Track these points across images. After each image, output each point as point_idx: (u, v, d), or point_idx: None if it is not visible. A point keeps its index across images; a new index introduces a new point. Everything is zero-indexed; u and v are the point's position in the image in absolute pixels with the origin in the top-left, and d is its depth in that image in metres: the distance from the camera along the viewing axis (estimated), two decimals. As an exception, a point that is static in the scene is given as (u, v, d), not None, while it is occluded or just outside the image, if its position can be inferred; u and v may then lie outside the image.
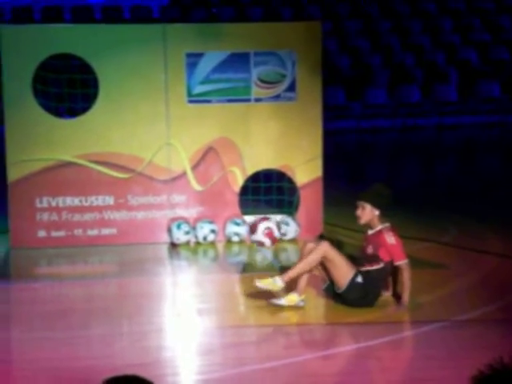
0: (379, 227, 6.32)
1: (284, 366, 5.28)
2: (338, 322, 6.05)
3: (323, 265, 6.30)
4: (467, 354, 5.06)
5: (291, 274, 6.25)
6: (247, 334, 6.02)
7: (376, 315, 6.15)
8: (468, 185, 12.33)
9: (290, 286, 6.34)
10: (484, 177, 13.10)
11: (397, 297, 6.45)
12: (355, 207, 6.41)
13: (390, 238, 6.24)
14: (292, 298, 6.30)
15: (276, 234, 8.42)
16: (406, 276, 6.24)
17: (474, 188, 11.98)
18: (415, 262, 7.54)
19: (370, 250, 6.31)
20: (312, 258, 6.19)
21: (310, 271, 6.29)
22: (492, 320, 5.97)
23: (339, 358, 5.43)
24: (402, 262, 6.25)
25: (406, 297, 6.28)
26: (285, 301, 6.29)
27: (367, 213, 6.34)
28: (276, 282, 6.23)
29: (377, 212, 6.32)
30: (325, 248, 6.20)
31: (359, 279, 6.20)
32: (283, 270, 6.85)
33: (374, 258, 6.26)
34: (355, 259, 6.45)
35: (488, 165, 14.39)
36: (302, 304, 6.33)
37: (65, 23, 8.54)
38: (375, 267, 6.26)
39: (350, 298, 6.25)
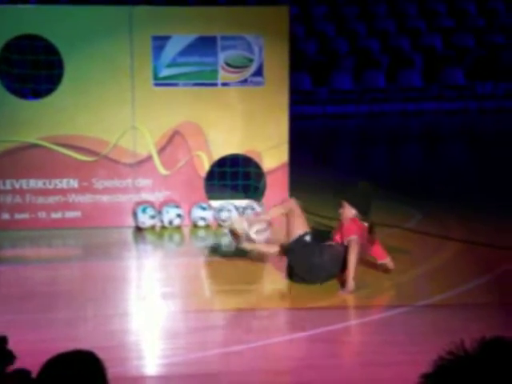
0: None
1: (248, 350, 5.31)
2: (301, 307, 6.09)
3: (287, 217, 6.58)
4: (429, 339, 5.13)
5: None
6: (211, 318, 6.04)
7: (339, 300, 6.20)
8: (432, 171, 12.44)
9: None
10: (448, 163, 13.23)
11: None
12: (338, 205, 6.58)
13: (347, 223, 6.40)
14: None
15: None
16: (351, 252, 6.22)
17: (438, 174, 12.09)
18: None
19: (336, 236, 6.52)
20: (275, 210, 6.71)
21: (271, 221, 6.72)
22: (454, 305, 6.06)
23: (302, 342, 5.47)
24: (349, 238, 6.30)
25: (349, 279, 6.22)
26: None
27: (346, 211, 6.50)
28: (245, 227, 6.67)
29: (353, 211, 6.47)
30: (292, 202, 6.64)
31: (307, 238, 6.43)
32: (249, 255, 6.90)
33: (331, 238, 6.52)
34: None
35: (452, 151, 14.52)
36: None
37: (30, 4, 8.40)
38: (330, 243, 6.47)
39: (297, 263, 6.39)
